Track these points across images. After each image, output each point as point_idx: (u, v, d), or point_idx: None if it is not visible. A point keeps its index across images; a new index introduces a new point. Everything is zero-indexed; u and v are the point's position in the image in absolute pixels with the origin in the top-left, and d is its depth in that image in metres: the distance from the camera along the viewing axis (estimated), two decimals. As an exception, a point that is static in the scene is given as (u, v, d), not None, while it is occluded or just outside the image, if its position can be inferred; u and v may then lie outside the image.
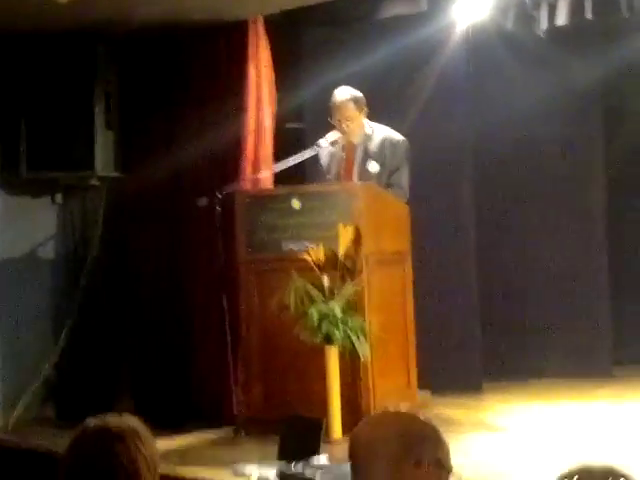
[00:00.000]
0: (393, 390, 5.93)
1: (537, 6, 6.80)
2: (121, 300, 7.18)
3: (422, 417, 2.63)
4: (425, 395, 6.38)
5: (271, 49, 6.52)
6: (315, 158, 6.38)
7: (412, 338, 6.20)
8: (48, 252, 7.35)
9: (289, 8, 6.49)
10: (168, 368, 6.83)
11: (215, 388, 6.35)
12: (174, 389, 6.69)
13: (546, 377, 7.28)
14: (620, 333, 7.60)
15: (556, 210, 7.63)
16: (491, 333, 7.34)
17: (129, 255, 7.16)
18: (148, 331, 7.00)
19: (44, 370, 7.00)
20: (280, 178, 6.45)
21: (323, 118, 6.41)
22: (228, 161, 6.48)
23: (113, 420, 2.98)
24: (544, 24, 6.77)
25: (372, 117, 6.40)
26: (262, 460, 5.10)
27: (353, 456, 2.61)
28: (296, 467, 4.71)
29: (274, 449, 5.10)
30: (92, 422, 2.98)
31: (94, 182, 7.02)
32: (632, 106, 7.70)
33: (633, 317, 7.69)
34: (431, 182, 6.90)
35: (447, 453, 2.60)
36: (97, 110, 6.82)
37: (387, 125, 6.41)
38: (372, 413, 5.60)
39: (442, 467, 2.57)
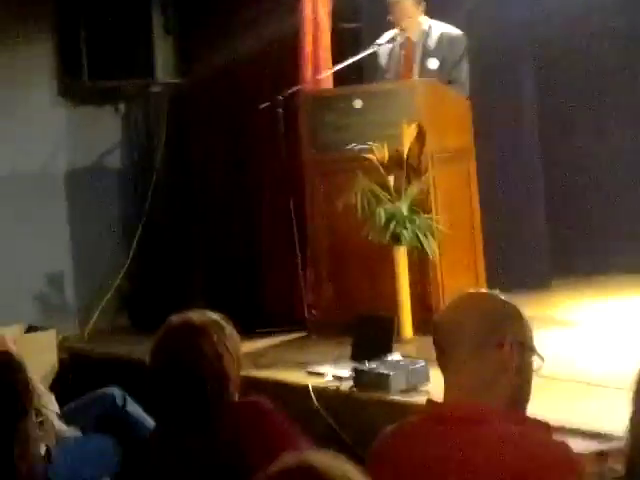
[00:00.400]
0: (462, 288, 5.88)
1: None
2: (188, 206, 7.20)
3: (504, 298, 2.61)
4: (494, 293, 6.33)
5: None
6: (373, 57, 6.29)
7: (479, 236, 6.14)
8: (114, 161, 7.39)
9: None
10: (238, 273, 6.86)
11: (285, 291, 6.36)
12: (245, 294, 6.72)
13: (612, 273, 7.20)
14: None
15: (618, 104, 7.46)
16: (557, 230, 7.26)
17: (193, 161, 7.15)
18: (216, 237, 7.02)
19: (116, 280, 7.08)
20: (339, 79, 6.38)
21: (380, 17, 6.31)
22: (287, 63, 6.41)
23: (196, 315, 3.00)
24: None
25: (427, 14, 6.28)
26: (336, 360, 5.13)
27: (437, 341, 2.59)
28: (370, 365, 4.71)
29: (346, 350, 5.12)
30: (176, 318, 3.01)
31: (155, 89, 7.00)
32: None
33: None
34: (492, 77, 6.77)
35: (530, 333, 2.58)
36: (155, 15, 6.77)
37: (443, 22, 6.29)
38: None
39: (525, 347, 2.55)
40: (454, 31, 6.23)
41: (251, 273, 6.78)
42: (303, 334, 6.02)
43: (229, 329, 3.04)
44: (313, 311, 6.02)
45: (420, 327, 5.54)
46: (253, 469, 2.84)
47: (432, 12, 6.28)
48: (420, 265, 5.71)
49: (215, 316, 3.06)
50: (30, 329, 6.34)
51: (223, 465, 2.84)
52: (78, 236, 7.13)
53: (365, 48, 6.25)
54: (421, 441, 2.46)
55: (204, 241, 7.12)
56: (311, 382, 4.87)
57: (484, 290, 2.68)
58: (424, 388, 4.61)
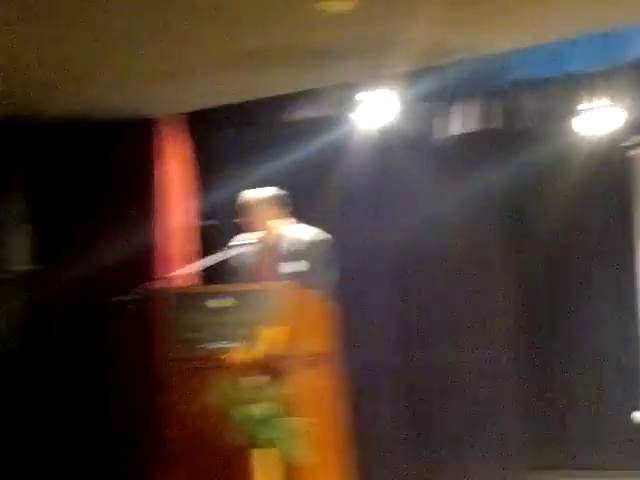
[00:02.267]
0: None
1: (445, 111, 6.87)
2: (40, 395, 6.96)
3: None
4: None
5: (186, 148, 6.54)
6: (233, 257, 6.23)
7: (341, 440, 5.95)
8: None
9: (203, 107, 6.66)
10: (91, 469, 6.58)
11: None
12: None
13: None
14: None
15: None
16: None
17: (45, 349, 6.98)
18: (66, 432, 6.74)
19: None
20: (199, 277, 6.32)
21: (237, 216, 6.30)
22: (147, 258, 6.38)
23: None
24: (453, 129, 6.85)
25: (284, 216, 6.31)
26: None
27: None
28: None
29: None
30: None
31: (9, 276, 6.94)
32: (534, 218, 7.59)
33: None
34: (358, 280, 6.84)
35: None
36: (12, 204, 6.80)
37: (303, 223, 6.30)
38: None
39: None
40: (319, 234, 6.21)
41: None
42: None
43: None
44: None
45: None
46: None
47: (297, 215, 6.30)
48: (284, 469, 5.45)
49: None
50: None
51: None
52: None
53: (225, 246, 6.20)
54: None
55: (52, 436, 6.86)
56: None
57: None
58: None
